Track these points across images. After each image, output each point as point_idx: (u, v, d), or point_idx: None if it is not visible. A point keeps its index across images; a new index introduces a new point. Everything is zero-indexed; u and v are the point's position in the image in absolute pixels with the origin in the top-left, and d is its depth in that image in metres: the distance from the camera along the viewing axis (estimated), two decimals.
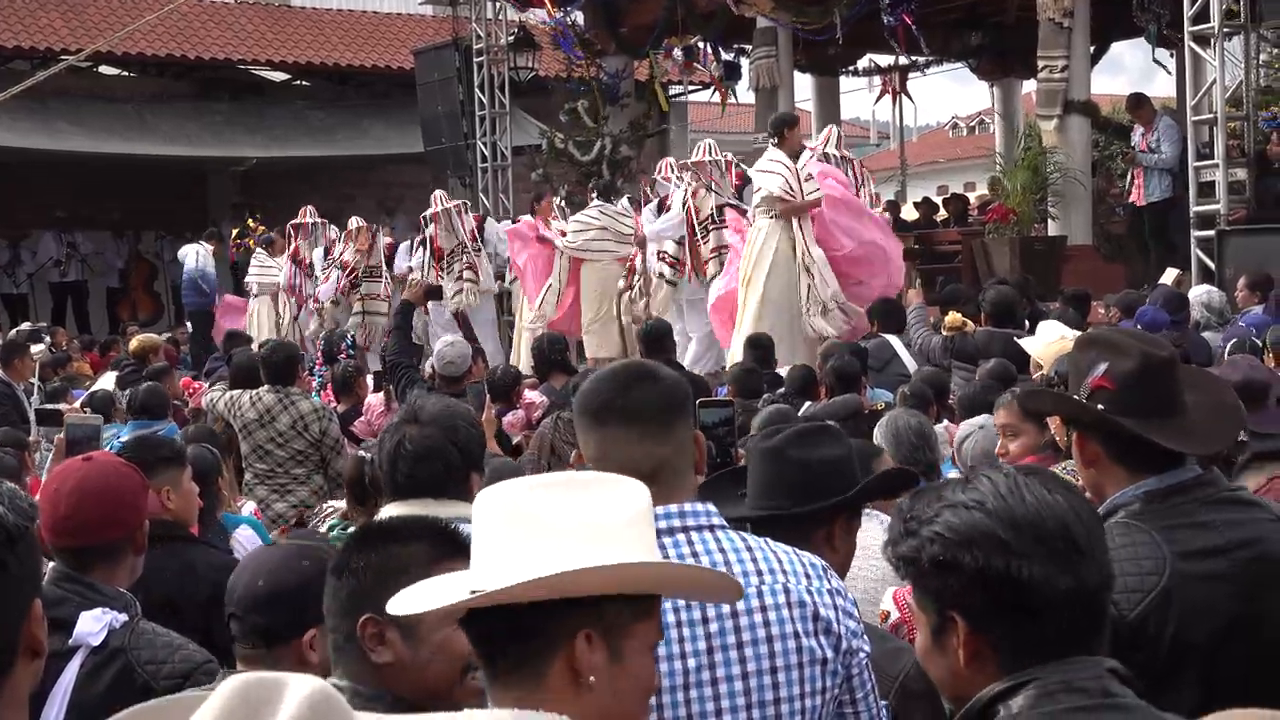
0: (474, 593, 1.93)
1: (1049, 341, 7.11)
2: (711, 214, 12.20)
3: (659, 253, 12.57)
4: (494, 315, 15.65)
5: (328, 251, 17.00)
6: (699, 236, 12.21)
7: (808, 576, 2.67)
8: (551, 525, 1.94)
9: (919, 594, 2.04)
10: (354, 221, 16.74)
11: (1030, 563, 1.89)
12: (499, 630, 1.96)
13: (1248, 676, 2.73)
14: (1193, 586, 2.76)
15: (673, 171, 13.13)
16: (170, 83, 25.69)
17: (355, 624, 2.52)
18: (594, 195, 14.75)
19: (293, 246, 17.46)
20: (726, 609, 2.55)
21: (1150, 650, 2.68)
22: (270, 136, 24.73)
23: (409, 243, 16.51)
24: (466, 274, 14.97)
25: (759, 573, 2.62)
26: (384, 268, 16.35)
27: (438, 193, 15.92)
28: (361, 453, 5.46)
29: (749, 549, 2.64)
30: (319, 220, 17.18)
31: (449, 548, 2.52)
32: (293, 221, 17.08)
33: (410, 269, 15.61)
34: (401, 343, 9.35)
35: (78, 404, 9.51)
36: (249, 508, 7.10)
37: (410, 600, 2.07)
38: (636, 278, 13.05)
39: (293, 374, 8.65)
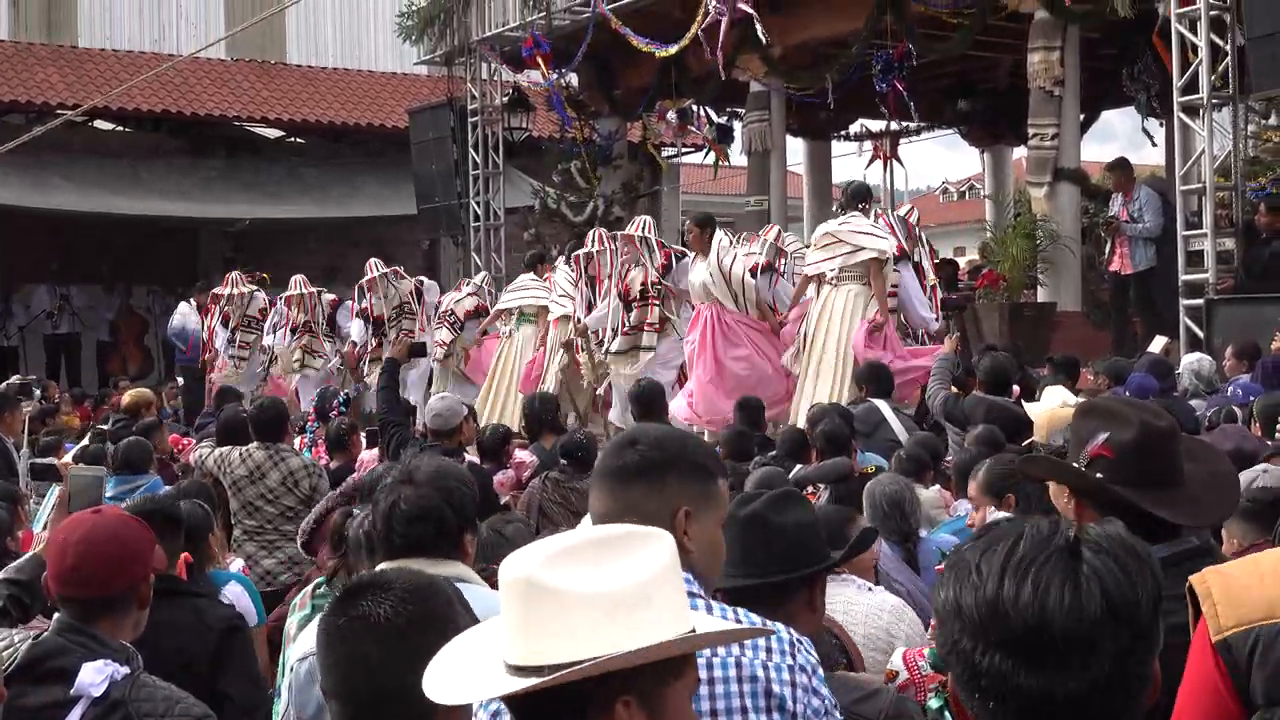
0: (515, 668, 1.94)
1: (1049, 408, 7.14)
2: (644, 288, 12.38)
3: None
4: (427, 371, 15.57)
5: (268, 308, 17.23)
6: (626, 310, 12.45)
7: (768, 651, 2.64)
8: (587, 599, 1.93)
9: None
10: (295, 283, 16.93)
11: (994, 653, 1.76)
12: (539, 703, 1.96)
13: None
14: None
15: (605, 242, 13.17)
16: (165, 138, 25.78)
17: None
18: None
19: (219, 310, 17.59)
20: None
21: None
22: (264, 193, 24.83)
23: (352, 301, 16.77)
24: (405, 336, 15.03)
25: (713, 648, 2.58)
26: (325, 325, 16.72)
27: (372, 261, 16.03)
28: (354, 509, 5.47)
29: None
30: (309, 291, 17.10)
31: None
32: (287, 294, 17.04)
33: (354, 342, 15.76)
34: (390, 401, 9.34)
35: (68, 457, 9.49)
36: (237, 564, 7.08)
37: (449, 686, 2.04)
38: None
39: (281, 431, 8.67)
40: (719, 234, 12.13)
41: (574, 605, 1.93)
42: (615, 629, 1.91)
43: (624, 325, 12.42)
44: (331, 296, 17.19)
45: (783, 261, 12.72)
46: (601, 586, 1.94)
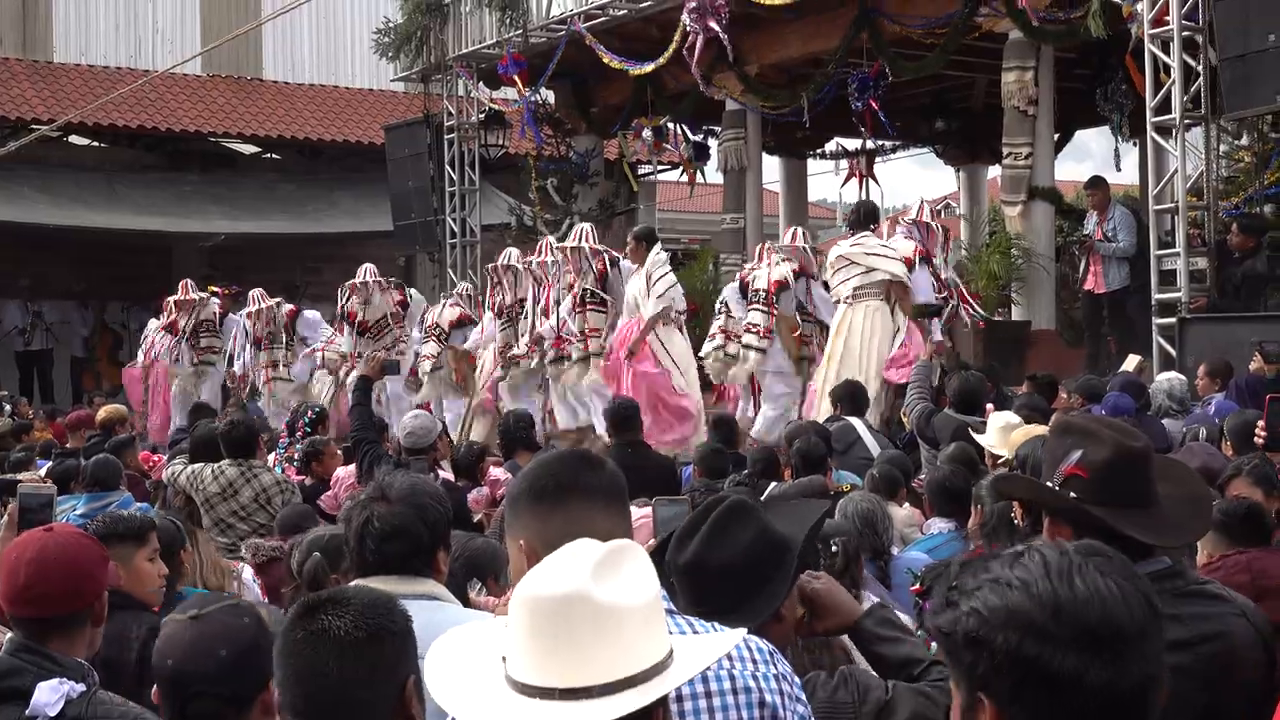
0: (561, 690, 1.95)
1: (1000, 427, 7.18)
2: (583, 293, 12.62)
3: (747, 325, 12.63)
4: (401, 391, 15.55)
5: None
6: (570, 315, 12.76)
7: (754, 662, 2.63)
8: (632, 612, 1.98)
9: (952, 668, 1.97)
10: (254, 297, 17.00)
11: (1065, 653, 1.80)
12: None
13: None
14: (1173, 678, 2.76)
15: (551, 251, 13.34)
16: (141, 153, 25.73)
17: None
18: None
19: (170, 318, 17.67)
20: (671, 694, 2.50)
21: None
22: (240, 208, 24.79)
23: (317, 314, 16.93)
24: (396, 348, 15.06)
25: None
26: (286, 335, 16.73)
27: (367, 266, 16.07)
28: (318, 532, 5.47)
29: (695, 635, 2.57)
30: (266, 305, 17.10)
31: None
32: (247, 310, 17.03)
33: (343, 353, 15.77)
34: (363, 418, 9.31)
35: (41, 473, 9.44)
36: (247, 573, 6.85)
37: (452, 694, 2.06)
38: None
39: (253, 448, 8.63)
40: (656, 249, 12.23)
41: (624, 619, 1.95)
42: (650, 640, 1.95)
43: (573, 334, 12.68)
44: (289, 307, 17.18)
45: (817, 262, 12.78)
46: (637, 599, 1.97)
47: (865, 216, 12.00)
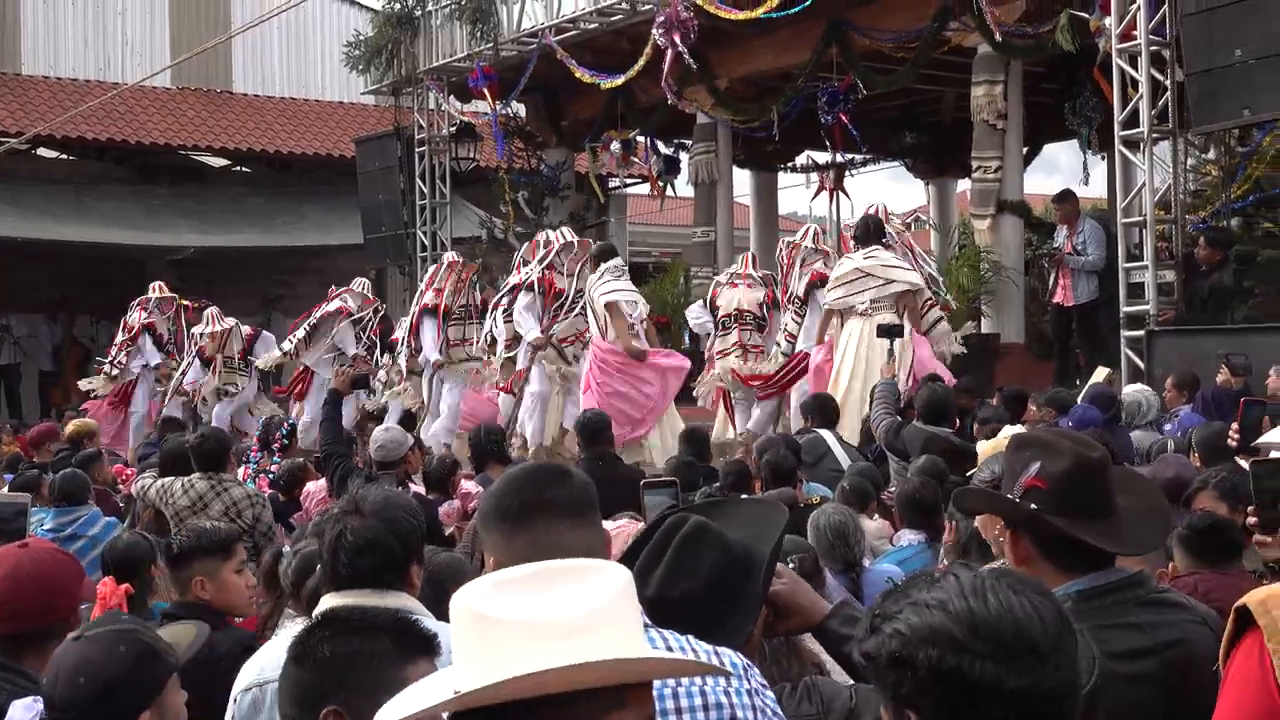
0: (456, 693, 1.92)
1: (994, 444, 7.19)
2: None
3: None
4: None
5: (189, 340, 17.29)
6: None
7: (726, 677, 2.61)
8: (525, 626, 1.92)
9: (880, 691, 2.02)
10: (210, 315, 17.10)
11: (982, 662, 1.87)
12: None
13: None
14: (1120, 687, 2.78)
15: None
16: (110, 166, 25.64)
17: (316, 716, 2.50)
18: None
19: (134, 330, 17.82)
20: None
21: None
22: (209, 221, 24.72)
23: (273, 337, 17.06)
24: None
25: (675, 677, 2.54)
26: (239, 359, 16.88)
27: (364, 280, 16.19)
28: (285, 548, 5.47)
29: (668, 649, 2.54)
30: (225, 326, 17.17)
31: (415, 645, 2.52)
32: (211, 330, 17.06)
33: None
34: (334, 432, 9.29)
35: (4, 490, 9.39)
36: None
37: (396, 709, 2.02)
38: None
39: (223, 461, 8.60)
40: (607, 263, 12.47)
41: (513, 632, 1.91)
42: (552, 656, 1.88)
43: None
44: (248, 330, 17.22)
45: (826, 261, 12.94)
46: (543, 614, 1.92)
47: (874, 231, 12.11)
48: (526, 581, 1.98)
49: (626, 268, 12.96)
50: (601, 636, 1.94)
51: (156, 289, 18.29)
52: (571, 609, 1.94)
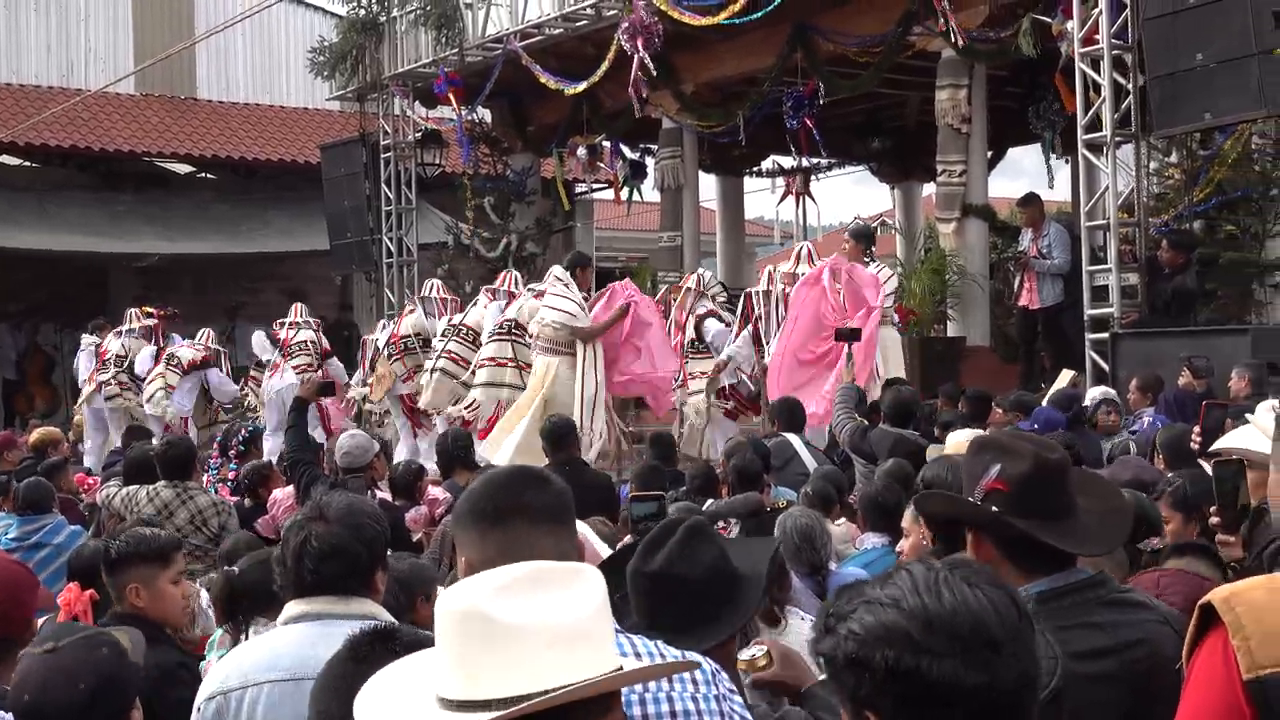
0: (456, 702, 1.92)
1: (959, 444, 7.20)
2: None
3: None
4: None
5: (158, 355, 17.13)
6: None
7: (694, 683, 2.62)
8: (529, 632, 1.92)
9: (838, 692, 2.01)
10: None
11: (940, 660, 1.85)
12: None
13: None
14: (1083, 687, 2.79)
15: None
16: (73, 173, 25.48)
17: None
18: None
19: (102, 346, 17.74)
20: None
21: None
22: (174, 228, 24.56)
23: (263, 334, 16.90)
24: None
25: (643, 683, 2.57)
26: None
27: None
28: (228, 567, 5.37)
29: (636, 656, 2.56)
30: (217, 348, 17.14)
31: None
32: (201, 352, 16.95)
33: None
34: (299, 439, 9.26)
35: None
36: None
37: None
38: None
39: (189, 469, 8.57)
40: (552, 272, 12.59)
41: (517, 638, 1.91)
42: (554, 664, 1.90)
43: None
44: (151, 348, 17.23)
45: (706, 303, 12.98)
46: (545, 619, 1.93)
47: (865, 240, 12.16)
48: (518, 586, 1.97)
49: (568, 274, 12.65)
50: (595, 644, 1.96)
51: (133, 316, 17.97)
52: (568, 616, 1.95)
